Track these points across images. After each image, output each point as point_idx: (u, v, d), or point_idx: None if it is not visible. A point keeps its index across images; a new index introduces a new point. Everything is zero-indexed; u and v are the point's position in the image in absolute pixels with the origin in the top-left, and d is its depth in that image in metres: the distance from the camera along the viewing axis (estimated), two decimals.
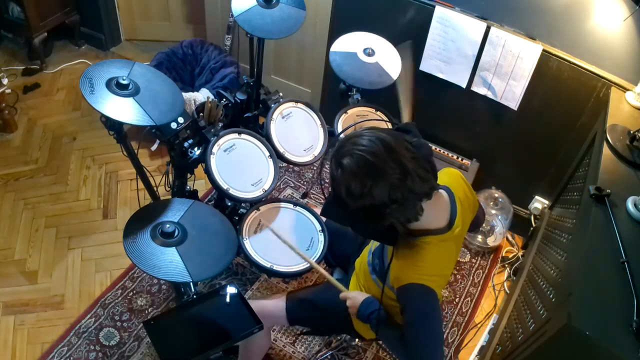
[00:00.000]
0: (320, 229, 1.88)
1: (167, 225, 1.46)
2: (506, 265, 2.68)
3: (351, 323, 1.65)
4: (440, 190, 1.38)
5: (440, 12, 2.38)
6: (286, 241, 1.66)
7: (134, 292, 2.31)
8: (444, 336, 2.34)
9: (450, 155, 2.79)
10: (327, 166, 1.32)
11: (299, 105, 2.10)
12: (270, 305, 1.70)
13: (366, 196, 1.18)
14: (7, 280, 2.31)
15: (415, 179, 1.19)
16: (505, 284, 2.59)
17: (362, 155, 1.18)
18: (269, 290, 2.40)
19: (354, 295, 1.49)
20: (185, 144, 1.87)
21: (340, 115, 2.14)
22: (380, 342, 2.20)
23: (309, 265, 1.74)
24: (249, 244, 1.78)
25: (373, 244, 1.57)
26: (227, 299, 1.47)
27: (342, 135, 1.59)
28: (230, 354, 2.05)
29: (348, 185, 1.19)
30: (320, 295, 1.70)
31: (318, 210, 1.95)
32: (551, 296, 1.62)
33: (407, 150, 1.20)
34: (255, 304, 1.51)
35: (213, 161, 1.80)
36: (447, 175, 1.47)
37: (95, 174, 2.82)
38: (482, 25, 2.33)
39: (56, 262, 2.41)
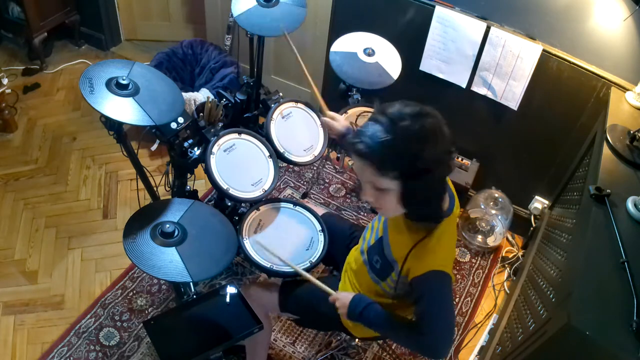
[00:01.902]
0: (320, 228, 1.88)
1: (167, 225, 1.46)
2: (506, 265, 2.67)
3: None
4: None
5: (440, 12, 2.39)
6: (274, 253, 1.70)
7: (134, 292, 2.31)
8: None
9: None
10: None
11: (299, 105, 2.09)
12: (263, 291, 1.77)
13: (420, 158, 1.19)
14: (7, 280, 2.31)
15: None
16: (505, 284, 2.59)
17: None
18: None
19: (344, 296, 1.49)
20: (185, 144, 1.87)
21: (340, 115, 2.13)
22: (380, 341, 2.20)
23: (308, 265, 1.74)
24: (249, 244, 1.78)
25: (364, 243, 1.57)
26: (227, 299, 1.47)
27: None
28: (231, 354, 2.05)
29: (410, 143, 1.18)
30: (311, 287, 1.72)
31: (318, 210, 1.95)
32: (551, 296, 1.62)
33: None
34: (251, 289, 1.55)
35: (213, 161, 1.80)
36: None
37: (95, 174, 2.82)
38: (482, 25, 2.33)
39: (56, 262, 2.41)
